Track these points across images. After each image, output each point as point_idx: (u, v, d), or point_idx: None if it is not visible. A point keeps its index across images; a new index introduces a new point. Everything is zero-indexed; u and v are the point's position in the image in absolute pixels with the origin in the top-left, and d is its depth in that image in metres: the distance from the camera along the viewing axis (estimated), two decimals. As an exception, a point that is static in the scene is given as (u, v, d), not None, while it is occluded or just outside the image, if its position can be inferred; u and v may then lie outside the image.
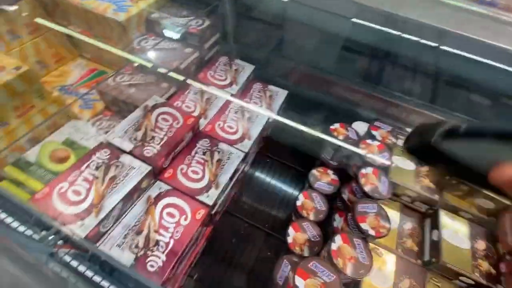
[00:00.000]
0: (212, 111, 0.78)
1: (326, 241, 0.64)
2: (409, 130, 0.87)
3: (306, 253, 0.62)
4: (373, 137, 0.75)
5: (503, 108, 0.83)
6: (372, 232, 0.57)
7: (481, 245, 0.61)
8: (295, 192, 0.86)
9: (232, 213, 0.78)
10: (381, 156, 0.70)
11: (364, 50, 0.98)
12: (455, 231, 0.63)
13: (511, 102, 0.82)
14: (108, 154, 0.60)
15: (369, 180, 0.65)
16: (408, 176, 0.71)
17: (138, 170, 0.58)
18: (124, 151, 0.61)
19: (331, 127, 0.76)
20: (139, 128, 0.64)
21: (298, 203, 0.70)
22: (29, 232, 0.47)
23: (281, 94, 0.91)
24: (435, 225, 0.64)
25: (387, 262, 0.62)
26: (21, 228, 0.47)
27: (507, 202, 0.62)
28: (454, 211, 0.67)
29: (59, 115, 0.74)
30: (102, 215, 0.52)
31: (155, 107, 0.69)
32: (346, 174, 0.77)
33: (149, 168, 0.59)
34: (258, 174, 0.89)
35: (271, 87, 0.93)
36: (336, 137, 0.73)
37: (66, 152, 0.67)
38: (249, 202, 0.82)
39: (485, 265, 0.58)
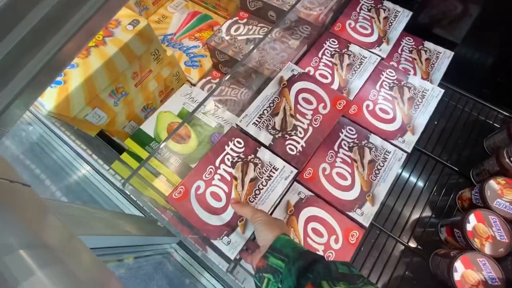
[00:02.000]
0: (357, 83, 0.56)
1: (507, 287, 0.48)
2: None
3: None
4: None
5: None
6: None
7: None
8: (442, 195, 0.66)
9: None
10: None
11: None
12: None
13: None
14: (243, 147, 0.47)
15: None
16: None
17: (282, 174, 0.46)
18: (261, 143, 0.48)
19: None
20: (276, 111, 0.49)
21: (468, 227, 0.52)
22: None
23: (444, 58, 0.64)
24: None
25: None
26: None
27: None
28: None
29: (171, 78, 0.62)
30: (248, 233, 0.43)
31: (292, 80, 0.51)
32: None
33: (295, 171, 0.46)
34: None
35: (428, 44, 0.65)
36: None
37: (186, 129, 0.57)
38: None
39: None
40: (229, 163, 0.48)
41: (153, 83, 0.59)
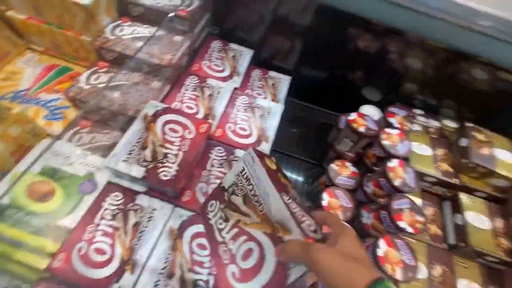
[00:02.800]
0: (218, 110, 0.67)
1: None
2: (418, 111, 0.86)
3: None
4: (390, 125, 0.72)
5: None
6: (410, 230, 0.56)
7: (499, 223, 0.65)
8: (309, 184, 0.82)
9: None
10: (403, 145, 0.68)
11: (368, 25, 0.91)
12: (476, 213, 0.65)
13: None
14: (121, 199, 0.49)
15: (397, 174, 0.63)
16: (427, 162, 0.71)
17: (161, 211, 0.49)
18: (138, 192, 0.51)
19: (349, 118, 0.71)
20: (145, 145, 0.53)
21: (324, 203, 0.66)
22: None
23: (284, 81, 0.83)
24: (458, 209, 0.66)
25: (418, 252, 0.63)
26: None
27: (521, 179, 0.65)
28: (470, 191, 0.69)
29: (25, 136, 0.57)
30: (138, 270, 0.43)
31: (157, 115, 0.57)
32: (364, 164, 0.75)
33: (171, 207, 0.50)
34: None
35: (272, 73, 0.84)
36: (357, 129, 0.69)
37: (48, 185, 0.53)
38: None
39: (505, 242, 0.62)
40: (109, 217, 0.49)
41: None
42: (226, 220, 0.41)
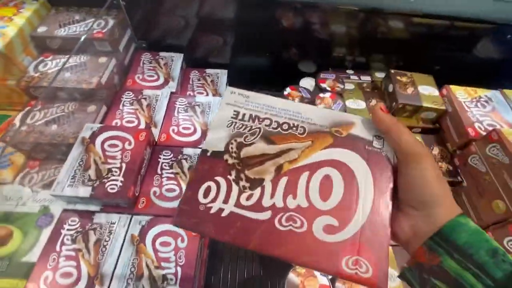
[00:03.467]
0: (159, 116, 0.70)
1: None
2: (350, 71, 0.92)
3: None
4: (323, 90, 0.78)
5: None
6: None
7: (435, 150, 0.71)
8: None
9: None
10: (337, 105, 0.73)
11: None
12: (414, 147, 0.71)
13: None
14: (78, 222, 0.51)
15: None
16: (363, 114, 0.77)
17: (120, 223, 0.52)
18: (93, 211, 0.53)
19: (284, 92, 0.75)
20: (87, 167, 0.55)
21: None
22: None
23: (222, 75, 0.87)
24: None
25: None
26: None
27: (444, 107, 0.72)
28: (407, 130, 0.76)
29: (-29, 190, 0.58)
30: (107, 282, 0.45)
31: (94, 136, 0.58)
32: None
33: (129, 216, 0.52)
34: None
35: (209, 70, 0.87)
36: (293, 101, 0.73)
37: (4, 229, 0.54)
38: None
39: (444, 166, 0.68)
40: (69, 242, 0.51)
41: None
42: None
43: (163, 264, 0.50)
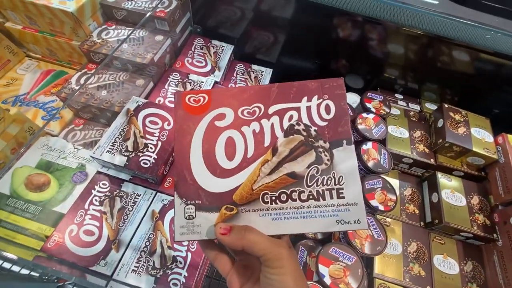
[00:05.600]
0: (199, 104, 0.71)
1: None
2: (399, 96, 0.88)
3: (319, 236, 0.63)
4: (367, 110, 0.75)
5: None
6: (381, 208, 0.59)
7: (475, 200, 0.66)
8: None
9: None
10: (378, 129, 0.70)
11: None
12: (452, 191, 0.67)
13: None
14: (108, 186, 0.55)
15: (371, 156, 0.65)
16: (404, 144, 0.73)
17: (144, 196, 0.54)
18: (123, 180, 0.57)
19: (326, 105, 0.73)
20: (127, 137, 0.57)
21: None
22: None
23: (266, 74, 0.86)
24: (434, 187, 0.68)
25: (395, 230, 0.65)
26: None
27: (496, 157, 0.66)
28: (448, 171, 0.71)
29: (23, 134, 0.63)
30: (122, 248, 0.48)
31: (138, 109, 0.61)
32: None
33: (154, 193, 0.54)
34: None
35: (254, 66, 0.87)
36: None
37: (44, 177, 0.59)
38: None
39: (481, 218, 0.63)
40: (97, 203, 0.54)
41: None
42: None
43: (176, 245, 0.52)
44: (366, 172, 0.65)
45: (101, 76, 0.71)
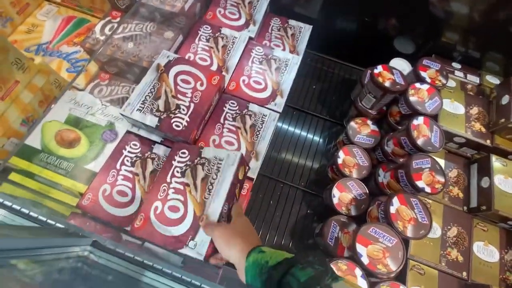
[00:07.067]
0: (232, 62, 0.64)
1: (371, 197, 0.62)
2: (456, 65, 0.77)
3: (353, 213, 0.60)
4: (421, 80, 0.66)
5: None
6: (428, 190, 0.54)
7: (531, 188, 0.60)
8: (327, 144, 0.80)
9: (264, 174, 0.74)
10: (432, 102, 0.62)
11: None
12: (505, 177, 0.60)
13: None
14: (139, 147, 0.52)
15: (421, 132, 0.58)
16: (458, 121, 0.65)
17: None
18: (154, 141, 0.54)
19: (375, 71, 0.65)
20: (158, 96, 0.53)
21: (339, 161, 0.65)
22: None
23: (305, 31, 0.76)
24: (485, 171, 0.62)
25: (435, 213, 0.61)
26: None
27: None
28: (503, 154, 0.64)
29: (50, 87, 0.60)
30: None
31: (169, 65, 0.56)
32: (387, 122, 0.71)
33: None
34: (285, 127, 0.82)
35: (291, 22, 0.77)
36: (381, 84, 0.63)
37: (74, 133, 0.57)
38: (280, 160, 0.77)
39: (535, 208, 0.58)
40: (129, 164, 0.52)
41: (26, 94, 0.56)
42: (182, 175, 0.47)
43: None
44: (412, 149, 0.59)
45: (127, 25, 0.64)
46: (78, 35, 0.74)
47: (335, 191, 0.61)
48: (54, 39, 0.73)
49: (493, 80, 0.73)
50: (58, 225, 0.48)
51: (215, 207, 0.44)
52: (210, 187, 0.46)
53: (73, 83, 0.67)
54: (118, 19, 0.65)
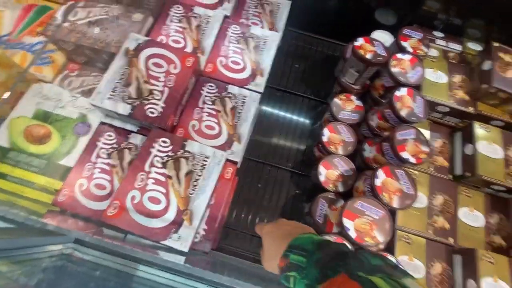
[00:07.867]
0: (208, 42, 0.61)
1: (358, 173, 0.62)
2: (438, 34, 0.75)
3: (340, 189, 0.60)
4: (403, 50, 0.64)
5: None
6: (413, 160, 0.54)
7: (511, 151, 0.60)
8: (313, 124, 0.79)
9: (251, 158, 0.73)
10: (415, 72, 0.61)
11: None
12: (488, 142, 0.61)
13: None
14: (114, 138, 0.49)
15: (405, 103, 0.58)
16: (441, 90, 0.64)
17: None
18: (130, 131, 0.52)
19: (355, 44, 0.63)
20: (129, 82, 0.50)
21: (324, 138, 0.64)
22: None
23: (283, 7, 0.73)
24: (469, 138, 0.62)
25: (421, 183, 0.62)
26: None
27: (547, 104, 0.58)
28: (486, 120, 0.64)
29: (13, 81, 0.56)
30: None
31: (139, 49, 0.53)
32: (371, 97, 0.70)
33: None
34: (270, 109, 0.80)
35: (268, -3, 0.74)
36: (363, 56, 0.62)
37: (44, 128, 0.53)
38: (267, 143, 0.76)
39: (518, 171, 0.58)
40: (105, 156, 0.50)
41: (-14, 89, 0.52)
42: (164, 166, 0.46)
43: (192, 200, 0.49)
44: (396, 121, 0.59)
45: (91, 10, 0.60)
46: (41, 24, 0.69)
47: (321, 169, 0.61)
48: (15, 30, 0.68)
49: (475, 47, 0.72)
50: (35, 224, 0.46)
51: (200, 203, 0.44)
52: (195, 183, 0.45)
53: (41, 76, 0.63)
54: (82, 3, 0.60)
